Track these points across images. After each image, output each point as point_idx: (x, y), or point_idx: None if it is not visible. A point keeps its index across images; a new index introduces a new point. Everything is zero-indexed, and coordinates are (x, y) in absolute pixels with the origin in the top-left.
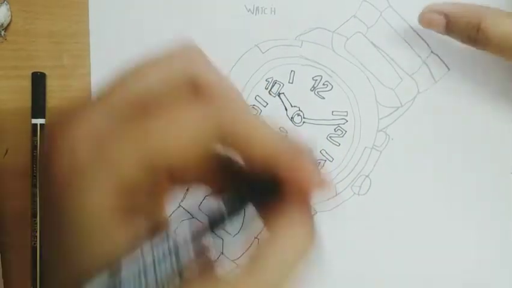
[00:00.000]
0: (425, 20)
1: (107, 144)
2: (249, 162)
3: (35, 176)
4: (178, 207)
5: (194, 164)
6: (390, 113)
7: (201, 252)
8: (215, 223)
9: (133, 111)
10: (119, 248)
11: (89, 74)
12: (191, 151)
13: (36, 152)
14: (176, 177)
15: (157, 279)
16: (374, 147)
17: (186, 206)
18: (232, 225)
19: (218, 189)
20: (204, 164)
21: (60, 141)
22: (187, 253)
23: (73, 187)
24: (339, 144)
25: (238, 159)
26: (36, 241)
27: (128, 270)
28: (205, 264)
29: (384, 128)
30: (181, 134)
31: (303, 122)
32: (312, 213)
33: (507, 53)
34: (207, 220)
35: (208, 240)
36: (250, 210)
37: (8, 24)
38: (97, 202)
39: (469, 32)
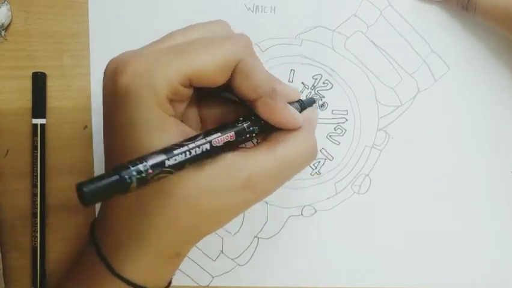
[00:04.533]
0: None
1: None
2: (246, 91)
3: (35, 176)
4: None
5: (215, 80)
6: (390, 112)
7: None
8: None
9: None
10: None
11: (89, 74)
12: (216, 75)
13: (37, 152)
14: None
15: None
16: (374, 146)
17: None
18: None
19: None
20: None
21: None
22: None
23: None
24: (339, 143)
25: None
26: (37, 241)
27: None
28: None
29: (384, 127)
30: (213, 57)
31: None
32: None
33: (492, 21)
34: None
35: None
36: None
37: (9, 25)
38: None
39: (462, 0)
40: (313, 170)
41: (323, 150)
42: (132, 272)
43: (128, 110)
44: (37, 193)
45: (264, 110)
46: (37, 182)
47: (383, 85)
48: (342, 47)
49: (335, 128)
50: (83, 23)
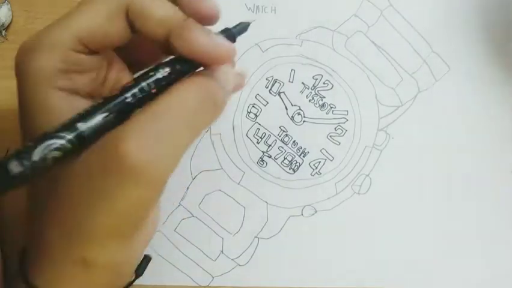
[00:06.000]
0: None
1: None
2: (151, 31)
3: None
4: (178, 206)
5: (110, 37)
6: (391, 112)
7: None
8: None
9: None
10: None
11: None
12: (108, 27)
13: None
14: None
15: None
16: (375, 146)
17: (186, 204)
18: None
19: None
20: (119, 38)
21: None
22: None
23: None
24: (340, 143)
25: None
26: None
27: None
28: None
29: (384, 127)
30: (96, 14)
31: (304, 121)
32: (223, 91)
33: None
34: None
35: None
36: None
37: (9, 24)
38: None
39: None
40: (313, 170)
41: (323, 151)
42: (44, 284)
43: (20, 91)
44: None
45: (179, 44)
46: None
47: (383, 85)
48: (342, 47)
49: (335, 128)
50: None
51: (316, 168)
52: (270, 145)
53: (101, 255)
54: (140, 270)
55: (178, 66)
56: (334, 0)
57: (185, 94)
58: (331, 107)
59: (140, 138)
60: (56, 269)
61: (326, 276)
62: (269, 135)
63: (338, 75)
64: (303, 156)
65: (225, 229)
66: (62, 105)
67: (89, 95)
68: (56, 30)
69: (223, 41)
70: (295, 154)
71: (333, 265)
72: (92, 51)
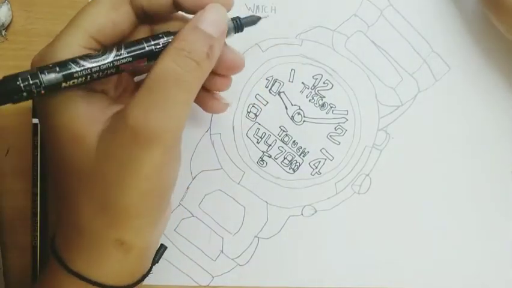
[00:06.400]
0: None
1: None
2: (156, 6)
3: (35, 176)
4: (178, 205)
5: (119, 26)
6: (391, 112)
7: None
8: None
9: None
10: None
11: None
12: (115, 17)
13: (37, 152)
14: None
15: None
16: (375, 146)
17: (186, 204)
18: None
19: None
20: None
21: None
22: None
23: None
24: (340, 143)
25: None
26: (37, 241)
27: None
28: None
29: (384, 127)
30: (102, 9)
31: (304, 121)
32: (207, 38)
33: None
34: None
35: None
36: None
37: (9, 24)
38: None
39: None
40: (313, 170)
41: (323, 150)
42: (84, 268)
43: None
44: (37, 193)
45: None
46: (37, 181)
47: (383, 85)
48: (342, 47)
49: (335, 128)
50: None
51: (316, 168)
52: (270, 145)
53: (137, 238)
54: (157, 257)
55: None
56: (334, 0)
57: (167, 62)
58: (331, 107)
59: (143, 109)
60: (94, 251)
61: (326, 276)
62: (269, 135)
63: (337, 75)
64: (303, 156)
65: (225, 229)
66: (80, 101)
67: (103, 91)
68: (67, 34)
69: None
70: (295, 154)
71: (333, 265)
72: (103, 46)
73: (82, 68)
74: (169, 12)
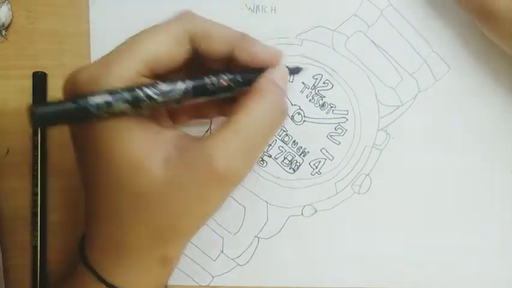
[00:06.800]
0: None
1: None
2: (216, 49)
3: (35, 175)
4: None
5: (175, 59)
6: (391, 112)
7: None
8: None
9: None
10: None
11: None
12: (174, 51)
13: (37, 152)
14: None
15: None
16: (375, 146)
17: None
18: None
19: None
20: (182, 58)
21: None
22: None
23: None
24: (340, 142)
25: (208, 54)
26: (37, 240)
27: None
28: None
29: (384, 127)
30: (163, 40)
31: (304, 121)
32: (283, 92)
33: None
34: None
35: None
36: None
37: (9, 24)
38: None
39: None
40: (313, 170)
41: (323, 150)
42: (122, 281)
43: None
44: (37, 193)
45: (241, 55)
46: (37, 181)
47: (383, 85)
48: (342, 47)
49: (335, 128)
50: (84, 22)
51: (317, 167)
52: (270, 145)
53: (177, 252)
54: None
55: (238, 76)
56: (334, 0)
57: (260, 112)
58: (331, 107)
59: (229, 154)
60: (136, 266)
61: (326, 276)
62: None
63: (338, 74)
64: (303, 156)
65: (225, 229)
66: (137, 127)
67: (152, 116)
68: (123, 60)
69: (272, 47)
70: (295, 154)
71: (333, 265)
72: (154, 75)
73: (151, 99)
74: (223, 59)
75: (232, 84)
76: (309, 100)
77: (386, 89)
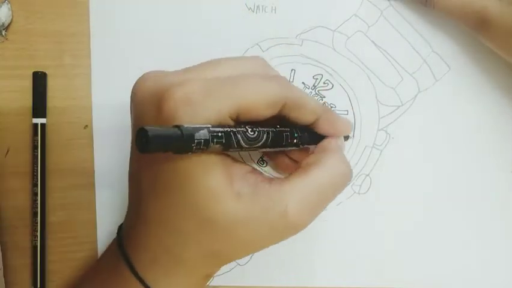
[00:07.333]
0: None
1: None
2: (304, 118)
3: (35, 175)
4: None
5: (261, 116)
6: (391, 112)
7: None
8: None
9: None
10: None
11: (89, 73)
12: (264, 110)
13: (37, 152)
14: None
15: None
16: (375, 146)
17: None
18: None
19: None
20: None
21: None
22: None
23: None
24: None
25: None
26: (37, 240)
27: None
28: None
29: (384, 127)
30: (261, 97)
31: None
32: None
33: (450, 14)
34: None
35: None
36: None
37: (9, 24)
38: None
39: None
40: None
41: None
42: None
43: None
44: (37, 192)
45: (324, 126)
46: (37, 181)
47: (383, 85)
48: (342, 47)
49: None
50: (83, 22)
51: None
52: None
53: (219, 269)
54: None
55: (306, 134)
56: (334, 0)
57: (335, 168)
58: (331, 107)
59: (305, 210)
60: (185, 280)
61: (326, 276)
62: None
63: (338, 75)
64: None
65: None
66: (219, 162)
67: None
68: (226, 96)
69: (347, 120)
70: None
71: (332, 265)
72: (235, 120)
73: (240, 145)
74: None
75: (299, 143)
76: None
77: (386, 89)
